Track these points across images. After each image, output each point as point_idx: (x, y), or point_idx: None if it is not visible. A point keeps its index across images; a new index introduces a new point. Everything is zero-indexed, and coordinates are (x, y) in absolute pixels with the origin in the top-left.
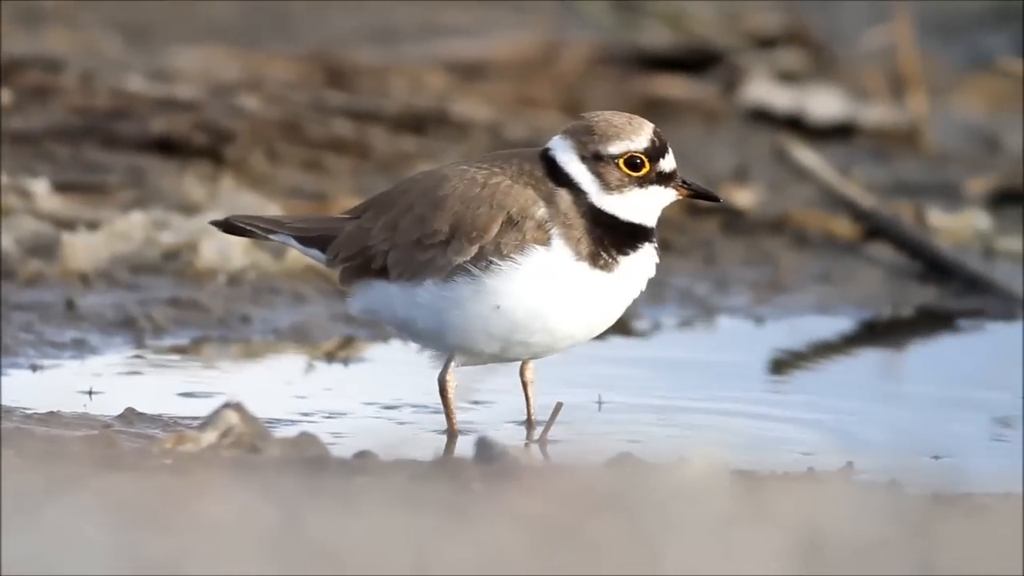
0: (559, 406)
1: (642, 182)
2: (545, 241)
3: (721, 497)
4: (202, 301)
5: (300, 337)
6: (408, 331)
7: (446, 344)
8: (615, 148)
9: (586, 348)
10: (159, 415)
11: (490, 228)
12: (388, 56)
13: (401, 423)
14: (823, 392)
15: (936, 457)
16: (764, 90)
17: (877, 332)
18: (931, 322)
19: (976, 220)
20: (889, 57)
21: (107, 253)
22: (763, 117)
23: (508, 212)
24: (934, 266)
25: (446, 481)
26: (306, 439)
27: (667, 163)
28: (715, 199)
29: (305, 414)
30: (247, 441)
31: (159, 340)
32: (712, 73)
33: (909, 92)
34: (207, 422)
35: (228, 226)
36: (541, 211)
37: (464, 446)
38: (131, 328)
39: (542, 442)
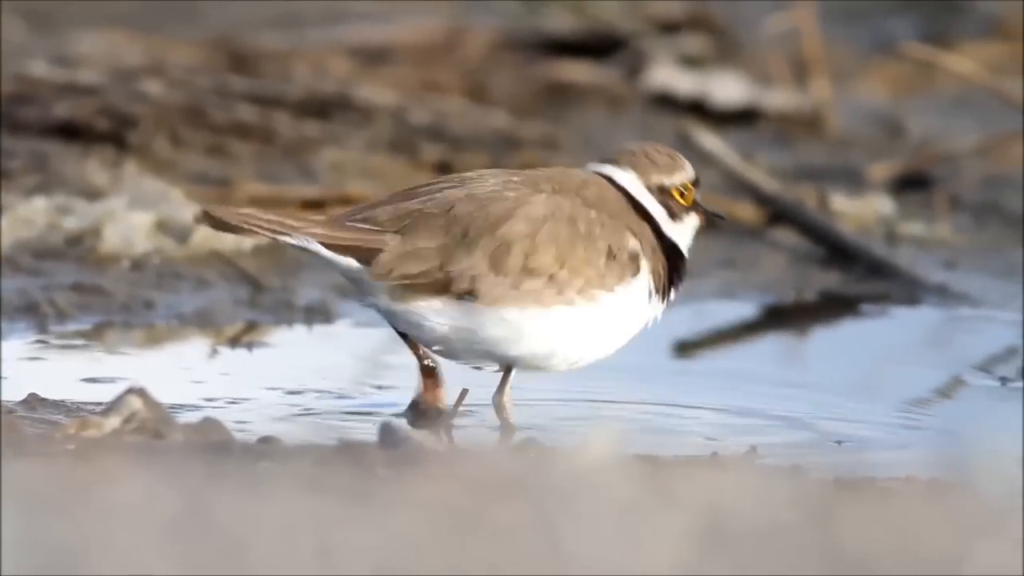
0: (464, 392)
1: (689, 211)
2: (636, 272)
3: (625, 482)
4: (105, 286)
5: (204, 322)
6: (473, 349)
7: (516, 363)
8: (676, 179)
9: None
10: (62, 401)
11: (595, 262)
12: (291, 41)
13: (305, 408)
14: (727, 377)
15: (839, 442)
16: (667, 75)
17: (781, 317)
18: (835, 307)
19: (879, 205)
20: (792, 42)
21: (10, 238)
22: (666, 102)
23: (608, 245)
24: (837, 251)
25: (350, 466)
26: (210, 424)
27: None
28: (722, 218)
29: (209, 399)
30: (151, 426)
31: (62, 325)
32: (616, 58)
33: (812, 77)
34: (110, 407)
35: (219, 223)
36: (633, 243)
37: (368, 431)
38: (34, 313)
39: (447, 428)
